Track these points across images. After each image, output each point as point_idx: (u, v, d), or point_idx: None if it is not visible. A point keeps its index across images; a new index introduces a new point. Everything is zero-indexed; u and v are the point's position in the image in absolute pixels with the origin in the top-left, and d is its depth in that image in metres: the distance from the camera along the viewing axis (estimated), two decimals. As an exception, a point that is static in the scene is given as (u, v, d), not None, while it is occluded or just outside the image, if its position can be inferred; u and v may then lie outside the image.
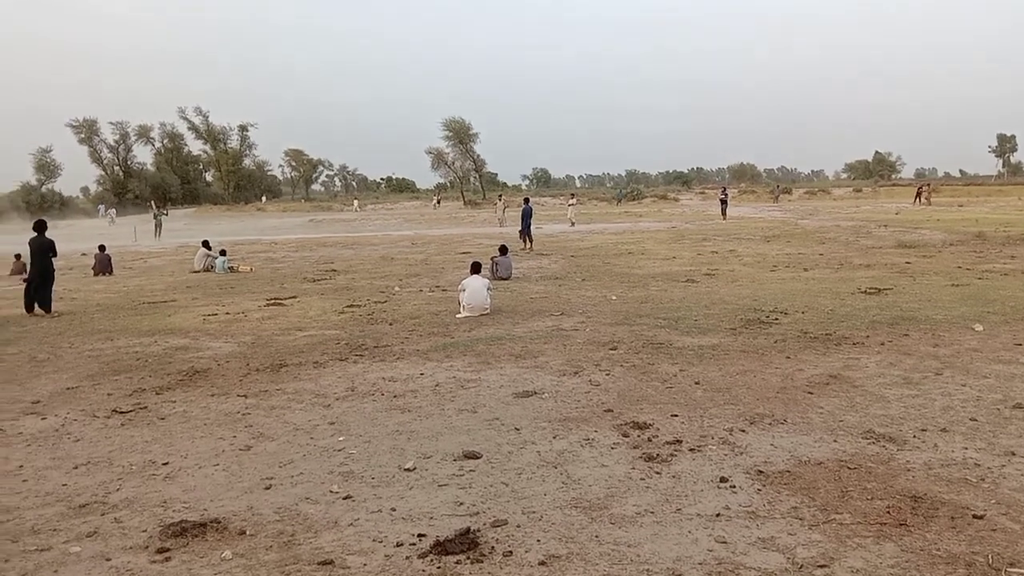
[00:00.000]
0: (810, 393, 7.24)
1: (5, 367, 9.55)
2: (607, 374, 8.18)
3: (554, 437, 6.19)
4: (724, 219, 39.44)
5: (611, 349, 9.37)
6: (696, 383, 7.70)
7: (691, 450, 5.78)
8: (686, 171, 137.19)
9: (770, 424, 6.37)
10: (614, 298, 13.83)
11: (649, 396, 7.29)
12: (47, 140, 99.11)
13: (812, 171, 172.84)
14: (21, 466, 5.93)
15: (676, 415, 6.65)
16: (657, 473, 5.35)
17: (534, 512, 4.75)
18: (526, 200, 29.14)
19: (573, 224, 38.91)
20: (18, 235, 20.28)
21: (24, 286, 14.67)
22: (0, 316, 14.06)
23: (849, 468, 5.33)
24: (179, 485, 5.43)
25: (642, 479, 5.25)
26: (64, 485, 5.50)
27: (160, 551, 4.37)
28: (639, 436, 6.13)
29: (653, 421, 6.48)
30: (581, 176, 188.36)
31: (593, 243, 27.66)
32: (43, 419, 7.21)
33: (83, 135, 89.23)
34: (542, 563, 4.08)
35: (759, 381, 7.73)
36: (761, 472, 5.32)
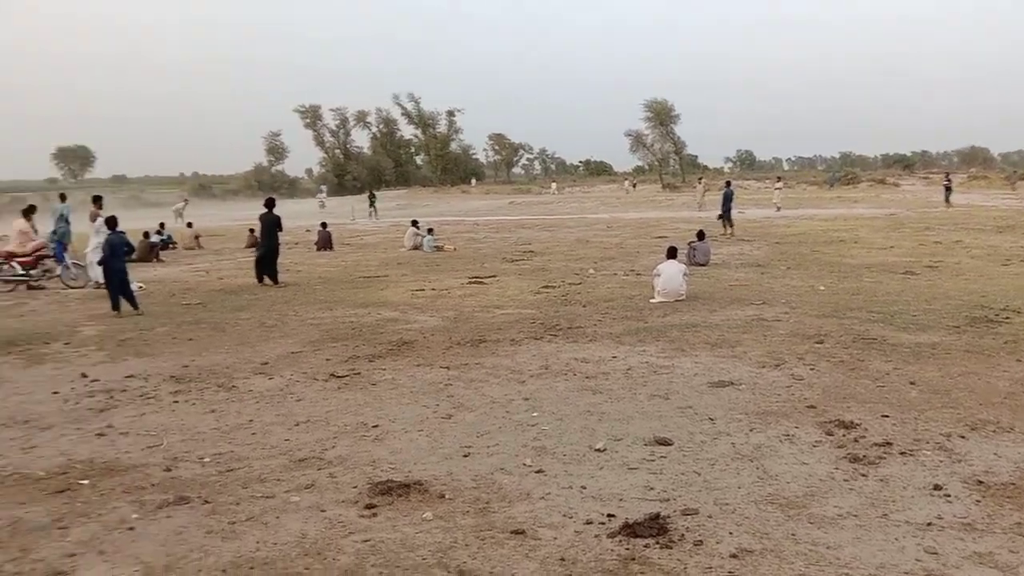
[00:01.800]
0: (1046, 401, 6.52)
1: (239, 331, 10.63)
2: (811, 368, 7.80)
3: (751, 430, 6.01)
4: (948, 206, 36.09)
5: (817, 342, 8.91)
6: (911, 383, 7.16)
7: (902, 454, 5.40)
8: (908, 154, 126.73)
9: (994, 431, 5.81)
10: (822, 288, 13.10)
11: (857, 394, 6.88)
12: (276, 125, 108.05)
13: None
14: (251, 420, 6.61)
15: (887, 416, 6.23)
16: (863, 475, 5.05)
17: (727, 504, 4.65)
18: (727, 183, 28.19)
19: (779, 209, 37.16)
20: (252, 211, 22.45)
21: (256, 258, 16.20)
22: (235, 285, 15.64)
23: (1091, 487, 4.76)
24: (386, 447, 5.83)
25: (846, 480, 4.98)
26: (287, 440, 6.07)
27: (368, 507, 4.73)
28: (844, 435, 5.81)
29: (861, 421, 6.11)
30: (789, 158, 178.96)
31: (800, 229, 26.29)
32: (270, 379, 7.97)
33: (308, 120, 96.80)
34: (733, 556, 3.99)
35: (984, 384, 7.06)
36: (981, 482, 4.87)
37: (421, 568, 3.97)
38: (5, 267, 15.77)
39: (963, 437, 5.71)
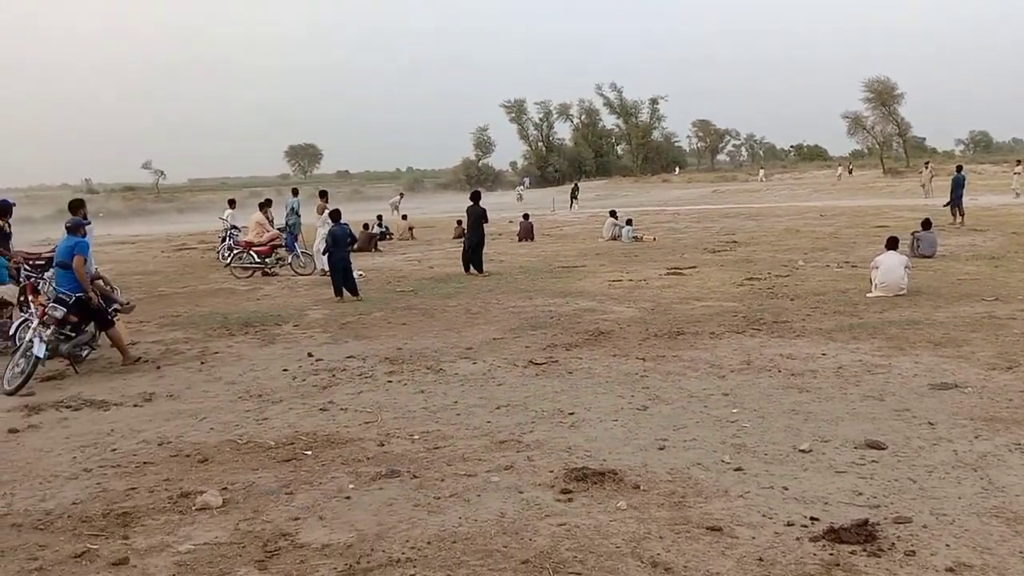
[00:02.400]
0: None
1: (447, 317, 11.20)
2: (1052, 372, 7.01)
3: (975, 437, 5.52)
4: None
5: (1060, 344, 7.99)
6: None
7: None
8: None
9: None
10: (1069, 284, 11.69)
11: (1108, 403, 6.11)
12: (484, 119, 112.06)
13: None
14: (456, 402, 6.97)
15: None
16: (1110, 494, 4.49)
17: (944, 514, 4.32)
18: (958, 168, 25.70)
19: (1018, 195, 33.40)
20: (460, 203, 23.51)
21: (463, 248, 16.93)
22: (444, 274, 16.45)
23: None
24: (582, 434, 5.94)
25: (1089, 498, 4.46)
26: (488, 422, 6.35)
27: (564, 492, 4.85)
28: (1090, 448, 5.19)
29: (1112, 433, 5.43)
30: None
31: (1045, 218, 23.52)
32: (474, 364, 8.34)
33: (513, 114, 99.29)
34: (950, 570, 3.71)
35: None
36: None
37: (615, 556, 4.02)
38: (244, 255, 17.57)
39: None
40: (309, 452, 5.79)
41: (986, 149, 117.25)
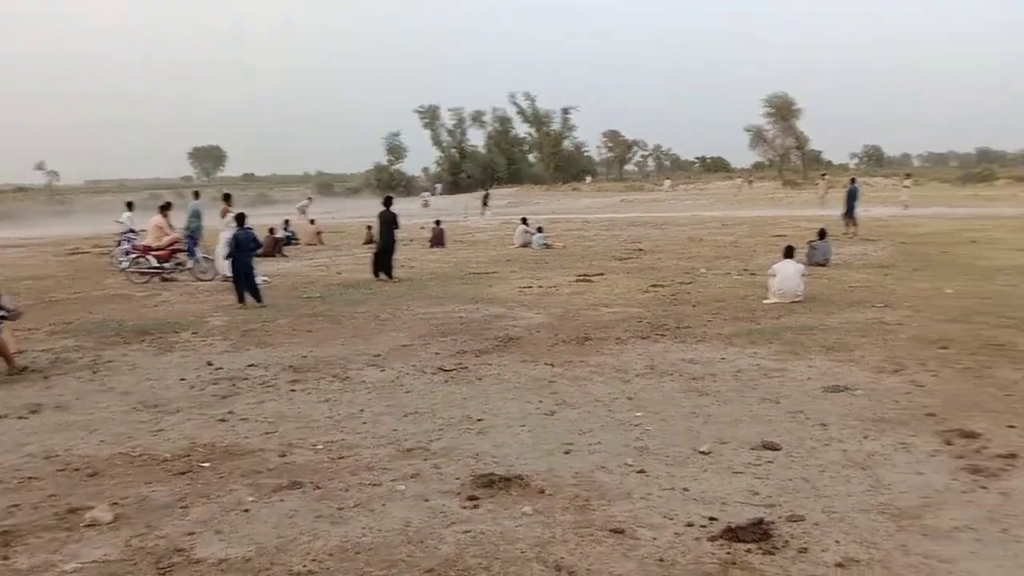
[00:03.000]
0: None
1: (355, 324, 11.03)
2: (933, 375, 7.42)
3: (864, 437, 5.79)
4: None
5: (941, 348, 8.47)
6: (1045, 393, 6.71)
7: (1031, 468, 5.08)
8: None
9: None
10: (950, 291, 12.40)
11: (982, 403, 6.50)
12: (398, 125, 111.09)
13: None
14: (362, 410, 6.87)
15: (1014, 426, 5.87)
16: (983, 488, 4.79)
17: (835, 512, 4.51)
18: (852, 180, 26.99)
19: (907, 207, 35.30)
20: (370, 209, 23.23)
21: (373, 254, 16.72)
22: (353, 279, 16.21)
23: None
24: (490, 440, 5.94)
25: (964, 492, 4.74)
26: (395, 430, 6.28)
27: (470, 498, 4.84)
28: (965, 446, 5.51)
29: (984, 431, 5.78)
30: (920, 154, 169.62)
31: (929, 229, 24.93)
32: (382, 371, 8.25)
33: (426, 120, 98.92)
34: (839, 565, 3.88)
35: None
36: (1123, 504, 4.53)
37: (519, 561, 4.04)
38: (141, 260, 16.89)
39: (1103, 453, 5.32)
40: (207, 464, 5.60)
41: (878, 163, 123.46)
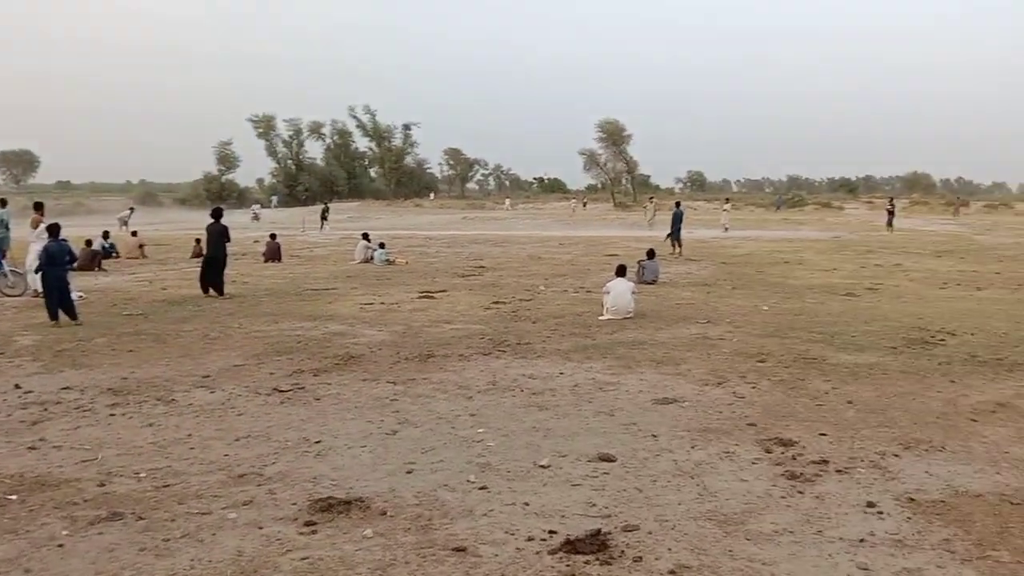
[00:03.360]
0: (974, 421, 6.74)
1: (181, 343, 10.42)
2: (753, 387, 7.94)
3: (692, 447, 6.09)
4: (890, 231, 37.12)
5: (759, 361, 9.08)
6: (849, 402, 7.34)
7: (838, 471, 5.53)
8: (853, 179, 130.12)
9: (927, 451, 5.98)
10: (766, 309, 13.36)
11: (797, 413, 7.02)
12: (229, 136, 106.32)
13: (993, 183, 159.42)
14: (190, 435, 6.47)
15: (824, 434, 6.37)
16: (799, 492, 5.15)
17: (667, 520, 4.70)
18: (677, 204, 28.63)
19: (727, 230, 37.83)
20: (200, 221, 22.04)
21: (201, 268, 15.89)
22: (179, 296, 15.33)
23: (1012, 503, 4.93)
24: (329, 463, 5.76)
25: (783, 497, 5.07)
26: (226, 455, 5.96)
27: (308, 524, 4.66)
28: (783, 453, 5.92)
29: (799, 439, 6.23)
30: (738, 180, 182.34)
31: (747, 250, 26.81)
32: (211, 392, 7.82)
33: (261, 130, 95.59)
34: (671, 572, 4.03)
35: (918, 404, 7.26)
36: (912, 500, 5.01)
37: (359, 586, 3.92)
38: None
39: (897, 456, 5.86)
40: (14, 496, 5.09)
41: (701, 187, 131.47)
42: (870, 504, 4.92)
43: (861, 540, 4.41)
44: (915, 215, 59.34)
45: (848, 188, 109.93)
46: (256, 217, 53.96)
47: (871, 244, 29.72)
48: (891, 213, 40.17)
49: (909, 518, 4.73)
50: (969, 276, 18.84)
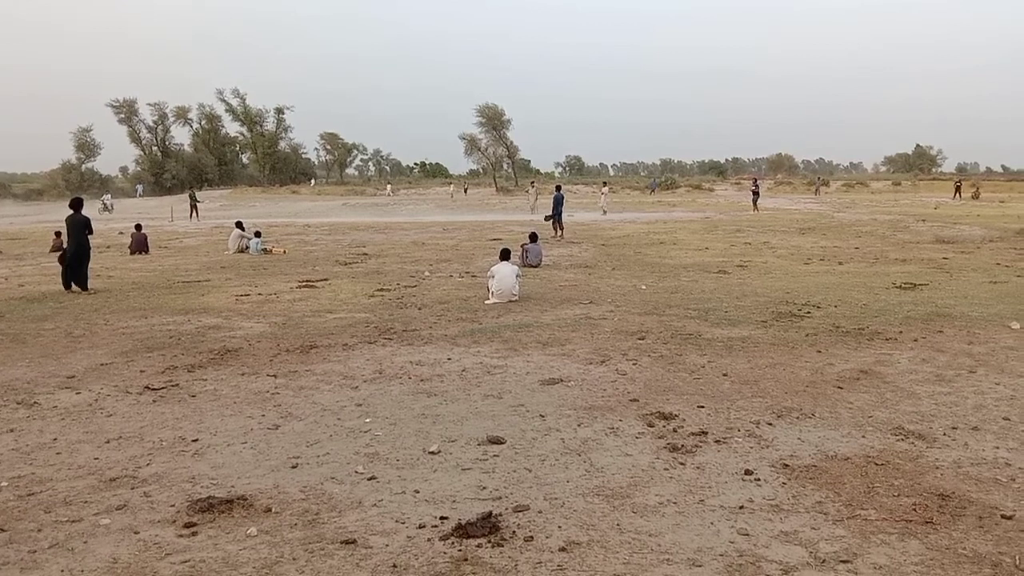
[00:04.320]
0: (840, 388, 7.17)
1: (42, 342, 9.76)
2: (634, 364, 8.16)
3: (579, 425, 6.19)
4: (755, 211, 38.96)
5: (639, 339, 9.34)
6: (724, 375, 7.65)
7: (716, 442, 5.76)
8: (722, 161, 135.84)
9: (798, 418, 6.31)
10: (644, 287, 13.76)
11: (676, 387, 7.26)
12: (88, 122, 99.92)
13: (851, 163, 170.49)
14: (55, 439, 6.07)
15: (703, 406, 6.62)
16: (681, 464, 5.33)
17: (556, 499, 4.76)
18: (558, 187, 29.06)
19: (605, 212, 38.74)
20: (58, 212, 20.59)
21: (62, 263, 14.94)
22: (38, 292, 14.35)
23: (876, 464, 5.27)
24: (208, 462, 5.53)
25: (666, 469, 5.24)
26: (96, 459, 5.62)
27: (187, 526, 4.46)
28: (664, 426, 6.11)
29: (679, 412, 6.45)
30: (615, 164, 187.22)
31: (625, 232, 27.53)
32: (77, 394, 7.36)
33: (123, 115, 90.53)
34: (562, 549, 4.09)
35: (788, 374, 7.66)
36: (787, 466, 5.28)
37: (245, 586, 3.78)
38: None
39: (770, 424, 6.16)
40: None
41: (579, 172, 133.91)
42: (747, 472, 5.15)
43: (741, 507, 4.61)
44: (780, 195, 62.59)
45: (718, 171, 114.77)
46: (106, 208, 49.89)
47: (740, 223, 31.12)
48: (755, 193, 42.14)
49: (784, 483, 4.98)
50: (831, 252, 20.04)
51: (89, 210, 16.20)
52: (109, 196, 57.16)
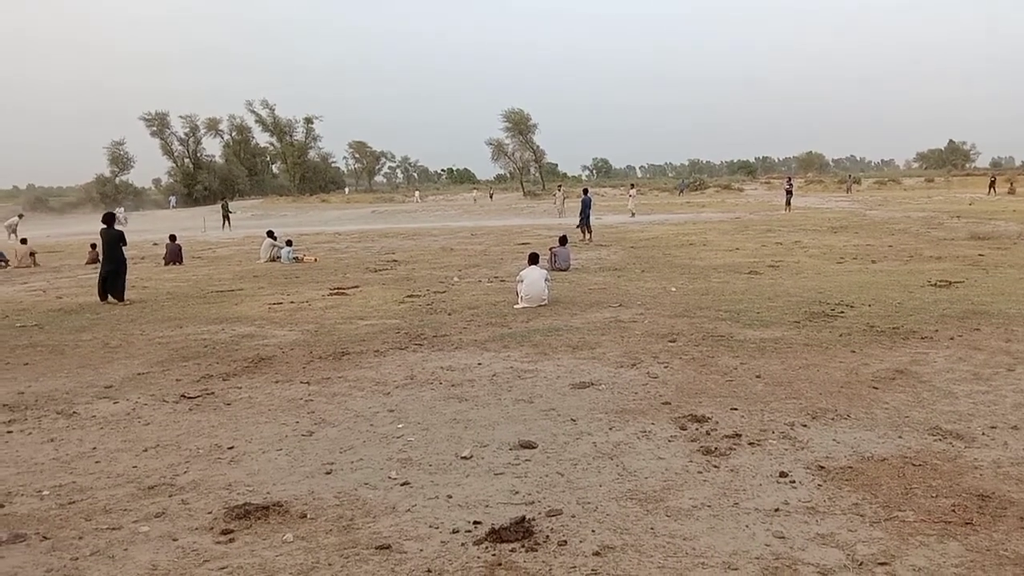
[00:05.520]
0: (875, 388, 7.07)
1: (80, 353, 9.94)
2: (665, 366, 8.12)
3: (610, 428, 6.18)
4: (788, 210, 38.57)
5: (670, 341, 9.29)
6: (757, 376, 7.59)
7: (750, 444, 5.71)
8: (751, 160, 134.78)
9: (832, 419, 6.24)
10: (674, 290, 13.69)
11: (708, 389, 7.22)
12: (122, 135, 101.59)
13: (882, 160, 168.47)
14: (94, 448, 6.19)
15: (736, 409, 6.57)
16: (715, 467, 5.30)
17: (589, 503, 4.76)
18: (585, 191, 29.01)
19: (633, 215, 38.60)
20: (93, 225, 20.99)
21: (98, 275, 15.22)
22: (76, 304, 14.63)
23: (914, 465, 5.20)
24: (243, 469, 5.60)
25: (699, 472, 5.21)
26: (134, 467, 5.72)
27: (224, 532, 4.51)
28: (697, 429, 6.07)
29: (712, 414, 6.41)
30: (642, 166, 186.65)
31: (653, 234, 27.40)
32: (115, 403, 7.49)
33: (155, 128, 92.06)
34: (596, 554, 4.08)
35: (822, 375, 7.57)
36: (822, 467, 5.22)
37: (282, 592, 3.82)
38: None
39: (805, 426, 6.10)
40: None
41: (606, 174, 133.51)
42: (782, 474, 5.10)
43: (776, 509, 4.57)
44: (811, 194, 61.90)
45: (747, 170, 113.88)
46: (119, 221, 50.24)
47: (771, 223, 30.83)
48: (789, 192, 41.65)
49: (820, 485, 4.93)
50: (864, 250, 19.78)
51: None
52: (123, 209, 56.66)
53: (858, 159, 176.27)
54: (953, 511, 4.45)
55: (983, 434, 5.77)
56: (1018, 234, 22.41)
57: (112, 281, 14.68)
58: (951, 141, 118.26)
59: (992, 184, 54.45)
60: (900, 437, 5.77)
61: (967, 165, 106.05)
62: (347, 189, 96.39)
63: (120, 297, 14.61)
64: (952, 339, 8.89)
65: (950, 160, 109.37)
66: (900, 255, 18.45)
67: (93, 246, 22.62)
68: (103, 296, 14.61)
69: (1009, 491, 4.72)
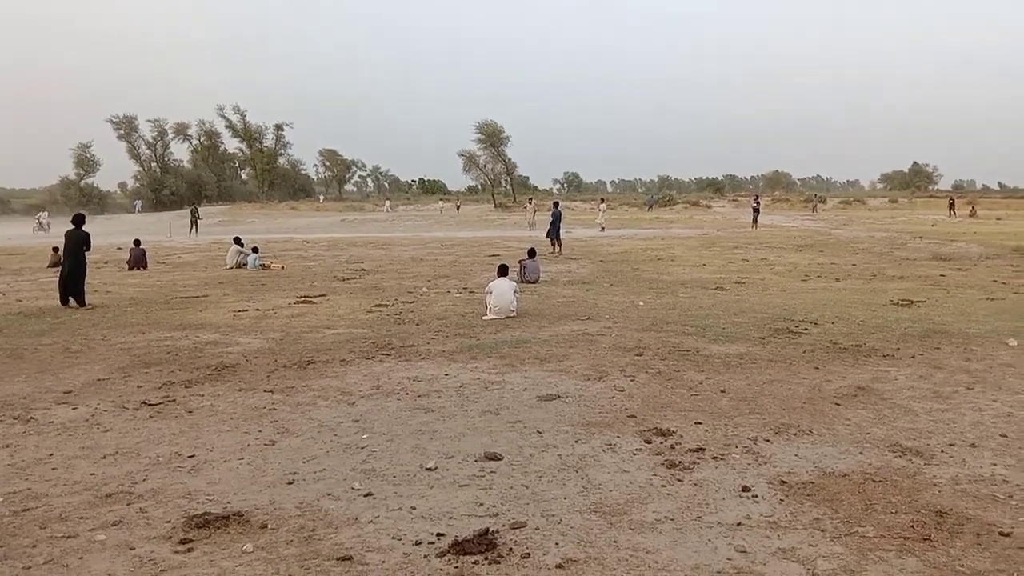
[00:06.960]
0: (837, 404, 7.16)
1: (39, 357, 9.74)
2: (632, 380, 8.15)
3: (576, 441, 6.18)
4: (755, 228, 39.02)
5: (637, 355, 9.33)
6: (722, 391, 7.65)
7: (714, 458, 5.74)
8: (719, 178, 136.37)
9: (795, 434, 6.31)
10: (642, 304, 13.77)
11: (673, 403, 7.26)
12: (88, 136, 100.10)
13: (847, 181, 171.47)
14: (51, 454, 6.05)
15: (700, 423, 6.61)
16: (679, 480, 5.32)
17: (553, 515, 4.75)
18: (555, 204, 29.13)
19: (603, 229, 38.80)
20: (57, 227, 20.58)
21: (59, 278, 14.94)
22: (36, 307, 14.34)
23: (874, 481, 5.27)
24: (204, 478, 5.51)
25: (663, 486, 5.22)
26: (92, 474, 5.60)
27: (183, 542, 4.44)
28: (662, 443, 6.10)
29: (676, 428, 6.44)
30: (612, 181, 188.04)
31: (622, 248, 27.56)
32: (74, 409, 7.34)
33: (122, 131, 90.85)
34: (559, 566, 4.08)
35: (786, 391, 7.65)
36: (784, 482, 5.27)
37: (240, 603, 3.76)
38: None
39: (768, 441, 6.15)
40: None
41: (577, 188, 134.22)
42: (745, 488, 5.14)
43: (738, 524, 4.60)
44: (777, 212, 62.73)
45: (715, 187, 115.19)
46: (41, 226, 46.89)
47: (737, 240, 31.19)
48: (756, 211, 42.14)
49: (782, 500, 4.97)
50: (828, 268, 20.08)
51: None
52: (46, 214, 53.39)
53: (824, 178, 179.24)
54: (912, 527, 4.51)
55: (942, 451, 5.87)
56: (978, 255, 22.90)
57: (73, 284, 14.41)
58: (915, 163, 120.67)
59: (951, 206, 55.63)
60: (861, 453, 5.85)
61: (930, 187, 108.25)
62: (321, 197, 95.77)
63: (81, 301, 14.35)
64: (913, 357, 9.04)
65: (914, 182, 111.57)
66: (864, 274, 18.75)
67: (55, 249, 22.18)
68: (64, 300, 14.34)
69: (966, 508, 4.79)
